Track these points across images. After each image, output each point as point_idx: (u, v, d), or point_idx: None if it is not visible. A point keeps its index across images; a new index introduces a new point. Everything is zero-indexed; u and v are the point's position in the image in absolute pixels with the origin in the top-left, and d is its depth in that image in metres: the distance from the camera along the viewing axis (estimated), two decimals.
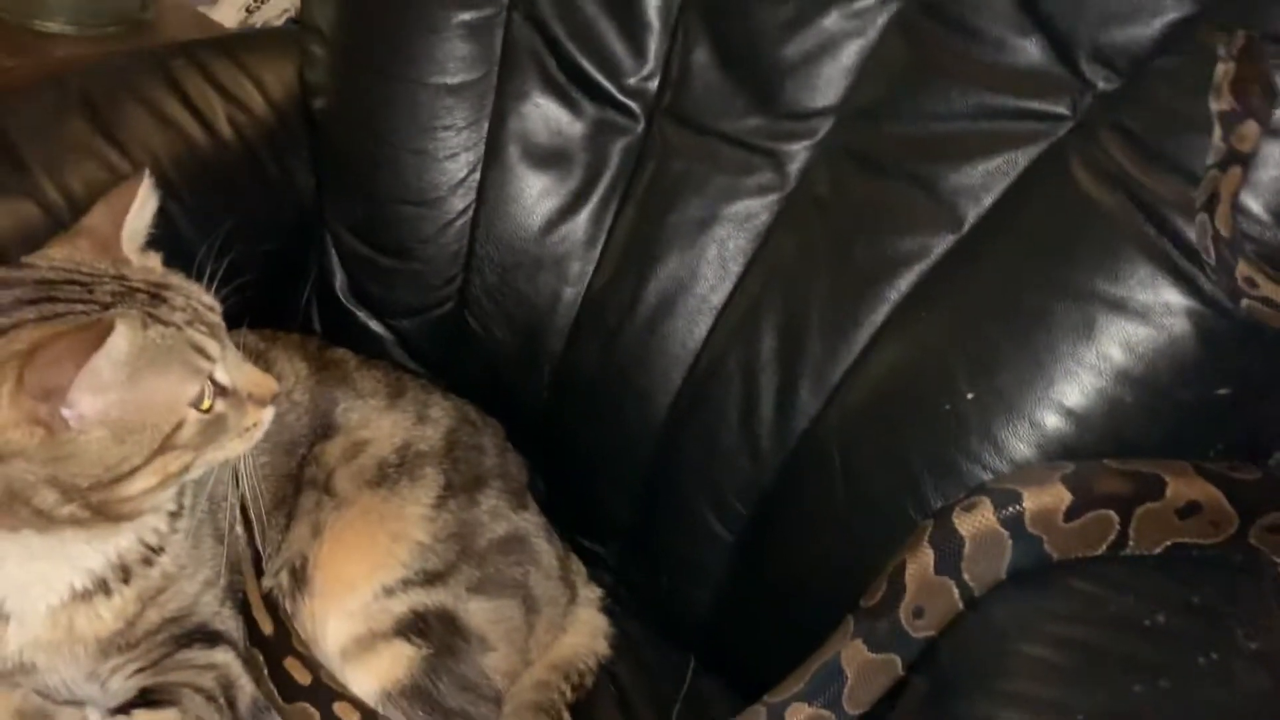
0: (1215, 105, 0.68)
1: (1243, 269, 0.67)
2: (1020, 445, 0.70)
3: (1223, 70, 0.68)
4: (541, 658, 0.80)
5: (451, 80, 0.86)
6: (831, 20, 0.80)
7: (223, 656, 0.66)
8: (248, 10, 1.58)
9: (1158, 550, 0.67)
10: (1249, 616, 0.65)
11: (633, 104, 0.86)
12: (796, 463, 0.80)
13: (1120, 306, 0.69)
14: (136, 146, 0.81)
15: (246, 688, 0.67)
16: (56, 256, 0.61)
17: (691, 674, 0.87)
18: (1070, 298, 0.71)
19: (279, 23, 1.54)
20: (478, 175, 0.87)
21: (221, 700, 0.65)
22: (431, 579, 0.73)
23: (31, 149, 0.77)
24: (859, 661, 0.69)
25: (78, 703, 0.63)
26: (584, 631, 0.84)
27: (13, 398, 0.53)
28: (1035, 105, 0.74)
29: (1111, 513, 0.66)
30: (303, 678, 0.66)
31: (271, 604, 0.67)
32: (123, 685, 0.64)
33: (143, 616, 0.63)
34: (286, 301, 0.93)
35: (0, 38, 1.09)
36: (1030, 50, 0.74)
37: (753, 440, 0.81)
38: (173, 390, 0.57)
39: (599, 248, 0.87)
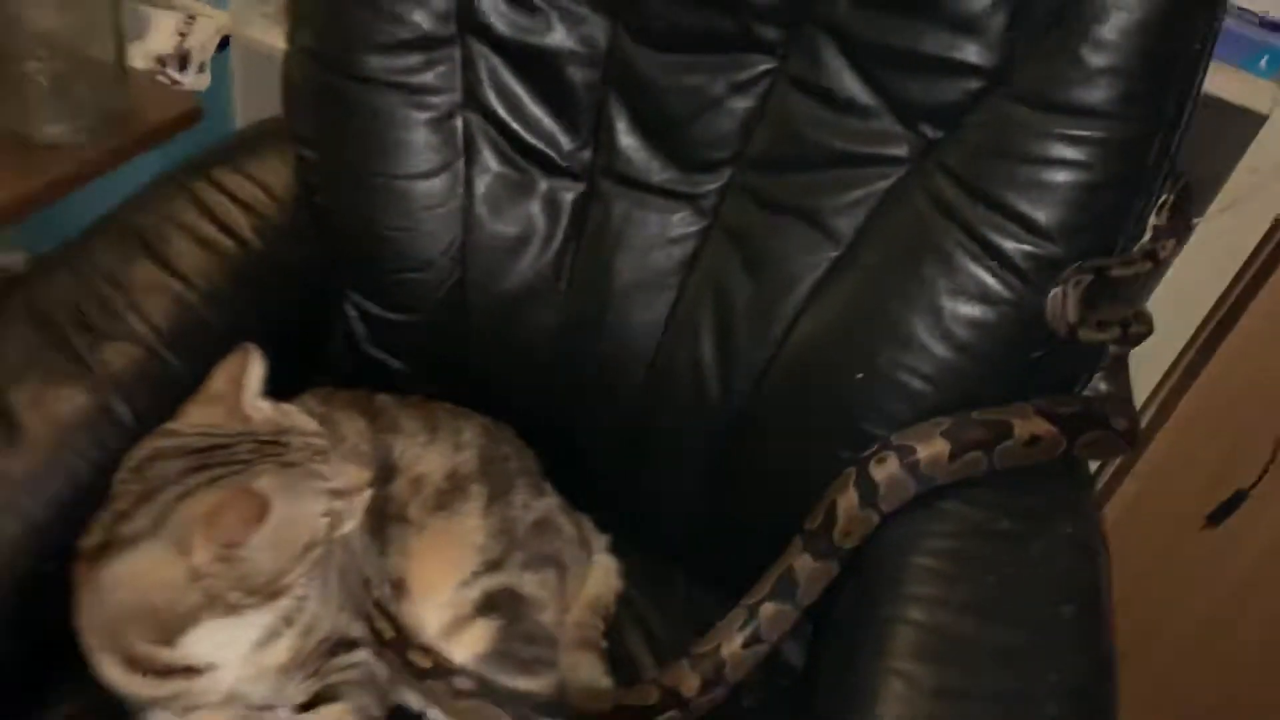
0: (1154, 220, 0.93)
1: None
2: (899, 408, 0.94)
3: (1164, 199, 0.93)
4: (576, 603, 1.03)
5: (424, 168, 1.04)
6: (720, 90, 1.00)
7: (361, 655, 0.89)
8: (180, 35, 1.69)
9: None
10: (1067, 508, 0.94)
11: (573, 167, 1.05)
12: (740, 431, 1.03)
13: (956, 297, 0.92)
14: (193, 274, 0.98)
15: (381, 674, 0.89)
16: (196, 421, 0.81)
17: (684, 585, 1.13)
18: (922, 294, 0.93)
19: (214, 44, 1.65)
20: (459, 240, 1.06)
21: (369, 685, 0.89)
22: (492, 567, 0.96)
23: (116, 294, 0.95)
24: (807, 569, 0.96)
25: (270, 707, 0.87)
26: (601, 574, 1.07)
27: (204, 548, 0.74)
28: (882, 151, 0.96)
29: (980, 453, 0.91)
30: (423, 662, 0.88)
31: (388, 616, 0.89)
32: (298, 690, 0.87)
33: (303, 645, 0.86)
34: (321, 353, 1.13)
35: (5, 154, 1.21)
36: (874, 110, 0.95)
37: (705, 416, 1.04)
38: (308, 512, 0.78)
39: (565, 280, 1.07)
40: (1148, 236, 0.94)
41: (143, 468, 0.80)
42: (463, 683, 0.86)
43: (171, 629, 0.80)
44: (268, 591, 0.80)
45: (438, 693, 0.86)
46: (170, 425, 0.83)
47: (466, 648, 0.93)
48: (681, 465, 1.09)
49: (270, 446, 0.80)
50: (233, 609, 0.79)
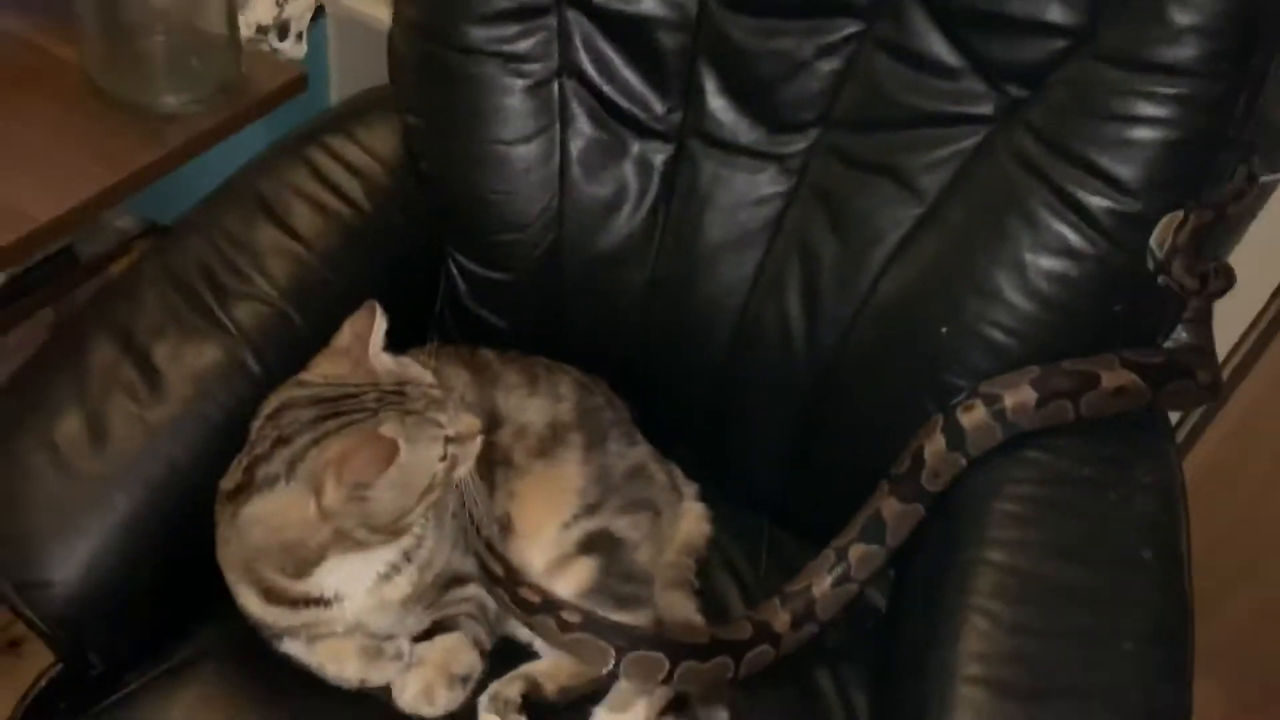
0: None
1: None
2: (982, 360, 0.98)
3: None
4: (669, 546, 1.09)
5: (523, 133, 1.09)
6: (808, 52, 1.03)
7: (473, 589, 0.96)
8: (279, 4, 1.76)
9: None
10: (1147, 459, 0.96)
11: (664, 130, 1.10)
12: (825, 384, 1.07)
13: (1040, 251, 0.95)
14: (311, 236, 1.05)
15: (490, 605, 0.97)
16: (326, 372, 0.88)
17: (768, 530, 1.19)
18: (1006, 249, 0.96)
19: (309, 13, 1.72)
20: (556, 203, 1.11)
21: (480, 617, 0.96)
22: (591, 510, 1.02)
23: (242, 256, 1.02)
24: (894, 512, 1.00)
25: (392, 637, 0.94)
26: (692, 519, 1.12)
27: (336, 489, 0.81)
28: (967, 110, 0.98)
29: (1066, 401, 0.95)
30: (533, 598, 0.93)
31: (498, 555, 0.96)
32: (417, 621, 0.95)
33: (421, 579, 0.93)
34: (427, 311, 1.19)
35: (127, 124, 1.28)
36: (960, 70, 0.98)
37: (791, 370, 1.08)
38: (427, 456, 0.85)
39: (656, 240, 1.11)
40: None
41: (277, 415, 0.87)
42: (571, 616, 0.92)
43: (303, 563, 0.87)
44: (391, 530, 0.87)
45: (547, 627, 0.92)
46: (302, 376, 0.90)
47: (569, 584, 0.99)
48: (768, 417, 1.13)
49: (393, 396, 0.87)
50: (359, 545, 0.87)
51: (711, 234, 1.10)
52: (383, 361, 0.90)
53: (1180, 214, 0.92)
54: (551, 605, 0.93)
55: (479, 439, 0.90)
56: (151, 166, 1.26)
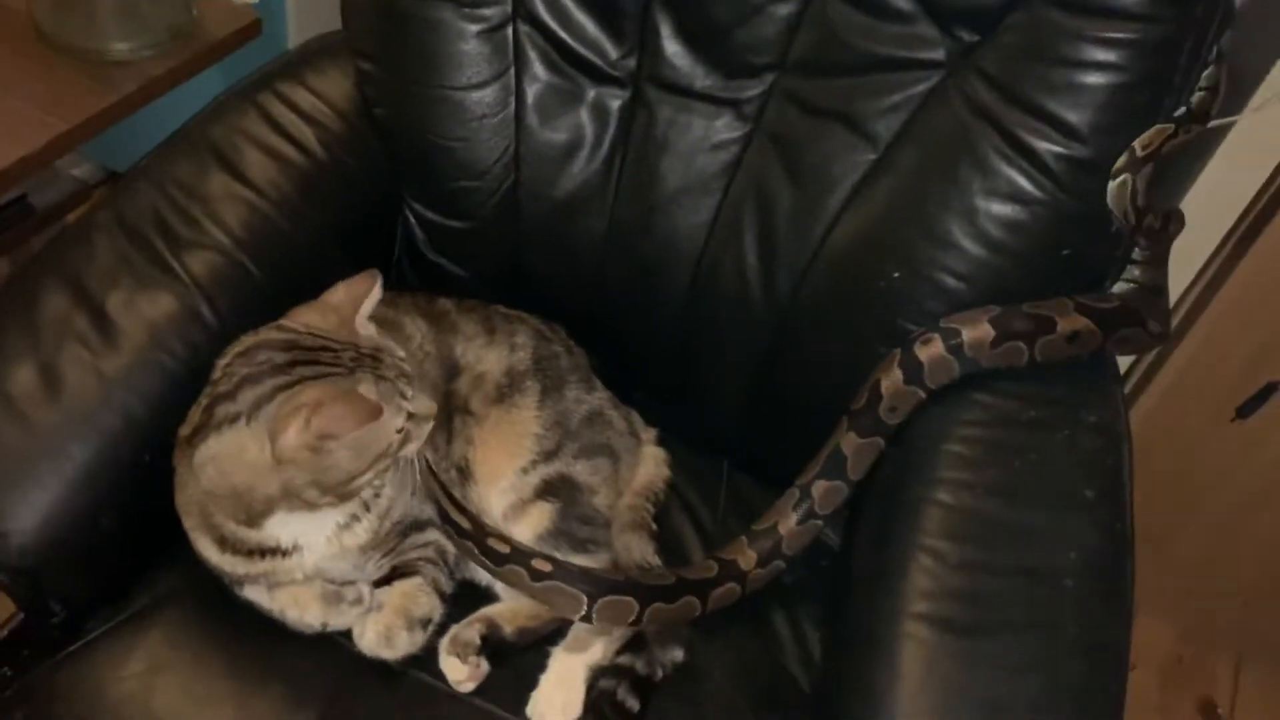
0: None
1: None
2: (935, 305, 0.99)
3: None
4: (627, 489, 1.10)
5: (478, 79, 1.09)
6: None
7: (432, 535, 0.97)
8: None
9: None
10: (1094, 399, 0.98)
11: (619, 75, 1.09)
12: (782, 329, 1.08)
13: (990, 197, 0.96)
14: (264, 183, 1.04)
15: (449, 549, 0.98)
16: (309, 322, 0.88)
17: (727, 473, 1.20)
18: (957, 195, 0.97)
19: None
20: (513, 149, 1.11)
21: (440, 561, 0.97)
22: (549, 456, 1.02)
23: (194, 204, 1.01)
24: (854, 446, 1.01)
25: (352, 582, 0.95)
26: (650, 463, 1.14)
27: (299, 434, 0.81)
28: (919, 55, 0.99)
29: (1022, 344, 0.96)
30: (502, 548, 0.93)
31: (462, 508, 0.95)
32: (376, 567, 0.96)
33: (380, 527, 0.94)
34: (385, 259, 1.19)
35: (77, 71, 1.27)
36: (912, 15, 0.98)
37: (749, 316, 1.10)
38: (389, 425, 0.85)
39: (613, 186, 1.12)
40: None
41: (249, 354, 0.88)
42: (541, 565, 0.93)
43: (254, 513, 0.88)
44: (339, 492, 0.88)
45: (518, 576, 0.93)
46: (283, 322, 0.90)
47: (527, 528, 1.00)
48: (725, 362, 1.15)
49: (369, 360, 0.88)
50: (306, 505, 0.87)
51: (668, 180, 1.10)
52: (367, 327, 0.91)
53: (1124, 177, 0.93)
54: (521, 555, 0.94)
55: (430, 421, 0.91)
56: (103, 114, 1.24)
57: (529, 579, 0.93)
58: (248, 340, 0.89)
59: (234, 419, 0.85)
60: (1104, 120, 0.93)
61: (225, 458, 0.86)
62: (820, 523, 1.03)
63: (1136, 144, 0.93)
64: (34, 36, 1.28)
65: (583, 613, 0.92)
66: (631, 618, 0.93)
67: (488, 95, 1.10)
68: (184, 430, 0.89)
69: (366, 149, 1.13)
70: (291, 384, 0.84)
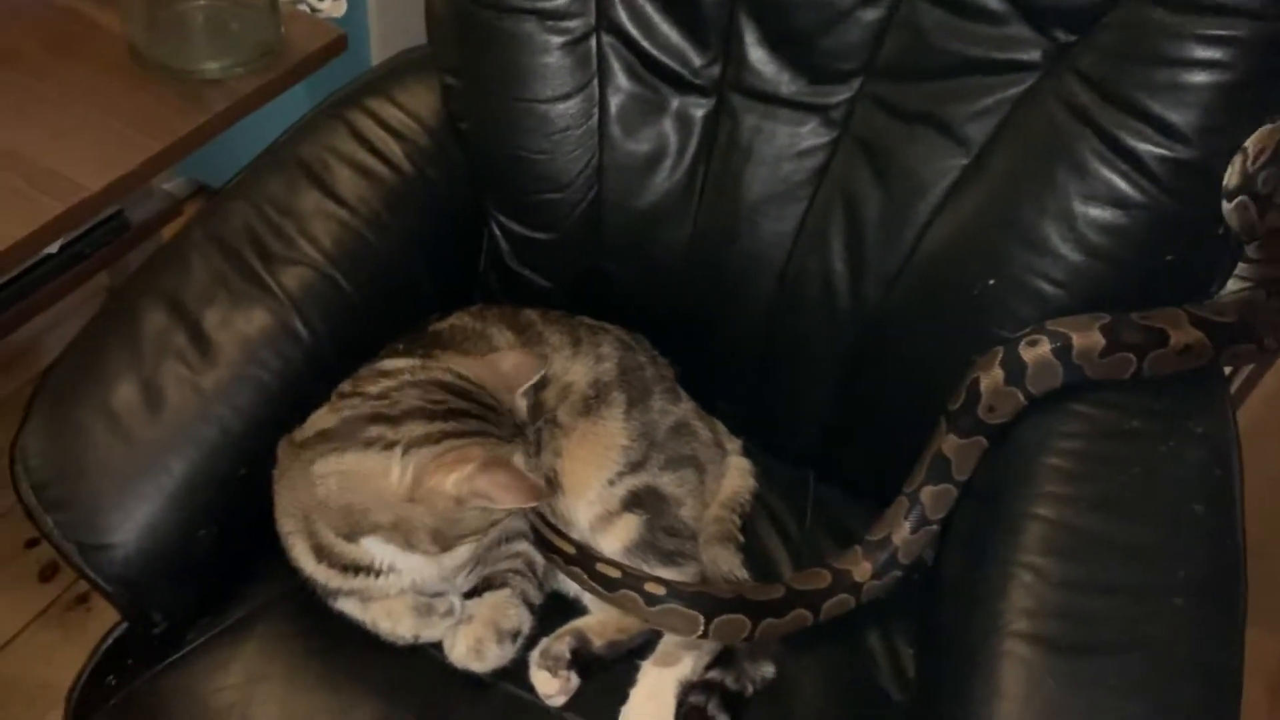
0: None
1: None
2: (1029, 313, 0.96)
3: None
4: (713, 501, 1.10)
5: (562, 91, 1.09)
6: (848, 1, 1.00)
7: (521, 545, 0.98)
8: None
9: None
10: (1199, 410, 0.95)
11: (703, 83, 1.08)
12: (870, 337, 1.07)
13: (1089, 201, 0.94)
14: (353, 198, 1.06)
15: (539, 561, 0.98)
16: (481, 378, 0.91)
17: (813, 484, 1.19)
18: (1054, 199, 0.95)
19: None
20: (596, 160, 1.11)
21: (529, 573, 0.98)
22: (635, 467, 1.02)
23: (287, 221, 1.03)
24: (954, 447, 0.98)
25: (442, 593, 0.95)
26: (736, 474, 1.13)
27: (456, 484, 0.83)
28: (1013, 57, 0.96)
29: (1131, 355, 0.92)
30: (613, 573, 0.92)
31: (564, 535, 0.95)
32: (467, 579, 0.97)
33: (481, 545, 0.93)
34: (471, 271, 1.20)
35: (170, 90, 1.30)
36: (1005, 15, 0.95)
37: (836, 324, 1.08)
38: None
39: (697, 195, 1.11)
40: None
41: (425, 388, 0.89)
42: (655, 589, 0.92)
43: (355, 528, 0.89)
44: (444, 545, 0.89)
45: (632, 601, 0.92)
46: (454, 367, 0.92)
47: (614, 540, 1.00)
48: (811, 372, 1.13)
49: (520, 434, 0.91)
50: (406, 544, 0.89)
51: (753, 188, 1.09)
52: (520, 401, 0.93)
53: (1242, 199, 0.90)
54: (634, 579, 0.93)
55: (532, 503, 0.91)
56: (195, 132, 1.26)
57: (644, 604, 0.92)
58: (387, 364, 0.92)
59: (389, 445, 0.86)
60: (1209, 121, 0.89)
61: (357, 476, 0.87)
62: (935, 528, 1.01)
63: (1249, 148, 0.89)
64: (127, 56, 1.31)
65: (699, 633, 0.92)
66: (745, 634, 0.93)
67: (571, 107, 1.10)
68: (300, 434, 0.91)
69: (452, 163, 1.14)
70: (462, 434, 0.86)
